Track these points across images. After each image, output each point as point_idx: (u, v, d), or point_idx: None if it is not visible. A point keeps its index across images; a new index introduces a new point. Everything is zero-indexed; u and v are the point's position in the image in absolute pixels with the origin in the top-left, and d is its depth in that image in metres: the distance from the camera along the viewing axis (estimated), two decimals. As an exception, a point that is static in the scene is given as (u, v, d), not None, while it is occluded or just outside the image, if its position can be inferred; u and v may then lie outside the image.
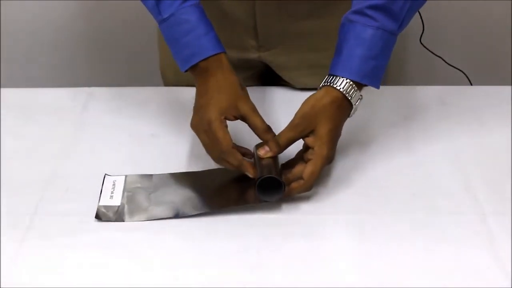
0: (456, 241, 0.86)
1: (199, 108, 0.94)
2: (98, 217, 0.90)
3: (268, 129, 0.92)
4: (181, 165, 0.99)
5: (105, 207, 0.91)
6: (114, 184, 0.95)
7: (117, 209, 0.91)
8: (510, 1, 1.60)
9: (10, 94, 1.17)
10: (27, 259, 0.85)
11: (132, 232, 0.89)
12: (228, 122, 0.92)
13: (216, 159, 0.92)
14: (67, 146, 1.05)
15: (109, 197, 0.93)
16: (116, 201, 0.92)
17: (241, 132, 0.96)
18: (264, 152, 0.91)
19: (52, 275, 0.83)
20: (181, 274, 0.83)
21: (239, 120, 0.93)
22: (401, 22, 0.92)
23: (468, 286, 0.80)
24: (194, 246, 0.87)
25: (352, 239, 0.87)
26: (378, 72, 0.93)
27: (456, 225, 0.88)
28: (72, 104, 1.15)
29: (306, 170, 0.89)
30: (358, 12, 0.92)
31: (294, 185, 0.90)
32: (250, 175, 0.90)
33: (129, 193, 0.94)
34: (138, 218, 0.90)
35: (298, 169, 0.91)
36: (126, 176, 0.96)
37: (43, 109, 1.13)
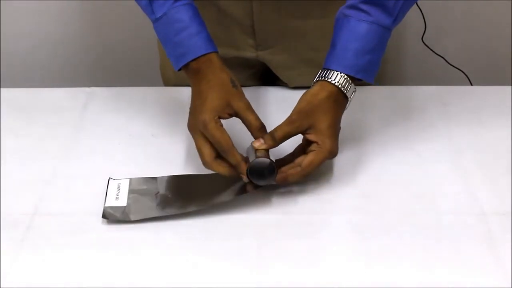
0: (456, 241, 0.86)
1: (193, 110, 0.94)
2: (105, 217, 0.90)
3: (262, 127, 0.92)
4: (181, 165, 0.99)
5: (111, 207, 0.91)
6: (119, 187, 0.95)
7: (124, 209, 0.91)
8: (511, 1, 1.60)
9: (10, 94, 1.17)
10: (27, 259, 0.85)
11: (132, 232, 0.89)
12: (225, 122, 0.92)
13: (209, 162, 0.92)
14: (67, 146, 1.05)
15: (114, 198, 0.93)
16: (122, 202, 0.93)
17: (238, 133, 0.96)
18: (259, 144, 0.91)
19: (52, 275, 0.83)
20: (181, 274, 0.83)
21: (236, 123, 0.93)
22: (396, 16, 0.92)
23: (468, 286, 0.80)
24: (194, 246, 0.87)
25: (351, 239, 0.87)
26: (372, 66, 0.93)
27: (456, 225, 0.88)
28: (72, 104, 1.15)
29: (306, 159, 0.90)
30: (353, 7, 0.92)
31: (290, 171, 0.90)
32: (244, 179, 0.90)
33: (135, 194, 0.94)
34: (144, 216, 0.90)
35: (298, 160, 0.91)
36: (130, 179, 0.96)
37: (43, 109, 1.13)
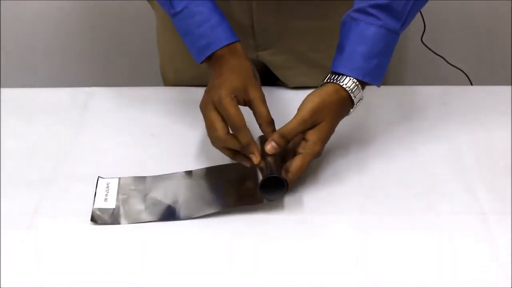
0: (456, 241, 0.86)
1: (210, 88, 0.94)
2: (94, 220, 0.90)
3: (272, 122, 0.92)
4: (181, 165, 0.99)
5: (100, 209, 0.91)
6: (108, 187, 0.95)
7: (113, 212, 0.91)
8: (510, 1, 1.60)
9: (10, 94, 1.17)
10: (27, 259, 0.85)
11: (132, 232, 0.89)
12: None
13: (223, 137, 0.90)
14: (67, 146, 1.05)
15: (103, 199, 0.93)
16: (111, 203, 0.92)
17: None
18: (270, 147, 0.90)
19: (52, 275, 0.83)
20: (181, 274, 0.83)
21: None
22: (404, 21, 0.92)
23: (468, 286, 0.80)
24: (194, 246, 0.87)
25: (351, 239, 0.87)
26: (380, 70, 0.93)
27: (456, 225, 0.88)
28: (72, 104, 1.14)
29: (294, 164, 0.89)
30: (361, 11, 0.92)
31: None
32: (254, 159, 0.89)
33: (124, 195, 0.93)
34: (134, 220, 0.90)
35: (287, 165, 0.91)
36: (119, 178, 0.96)
37: (43, 109, 1.13)
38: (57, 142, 1.05)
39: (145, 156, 1.02)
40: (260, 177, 0.88)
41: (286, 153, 0.93)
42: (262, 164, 0.89)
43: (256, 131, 0.94)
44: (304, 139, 0.90)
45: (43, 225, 0.90)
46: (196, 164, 0.99)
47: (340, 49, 0.93)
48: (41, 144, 1.05)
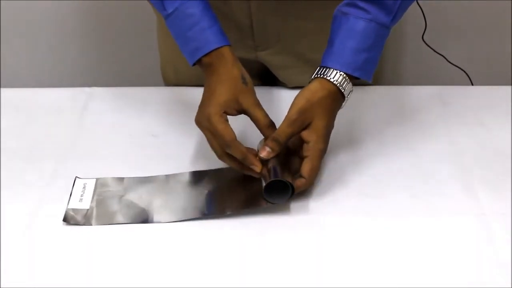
0: (456, 241, 0.86)
1: (201, 104, 0.94)
2: (66, 220, 0.89)
3: (271, 124, 0.92)
4: (181, 165, 0.99)
5: (74, 210, 0.91)
6: (84, 187, 0.94)
7: (86, 213, 0.90)
8: (511, 1, 1.60)
9: (10, 94, 1.17)
10: (27, 259, 0.85)
11: (132, 232, 0.89)
12: (232, 120, 0.92)
13: (220, 155, 0.91)
14: (67, 146, 1.05)
15: (78, 200, 0.92)
16: (85, 204, 0.92)
17: (245, 132, 0.96)
18: (266, 153, 0.90)
19: (52, 275, 0.83)
20: (180, 274, 0.83)
21: (243, 122, 0.93)
22: (394, 15, 0.92)
23: (468, 286, 0.80)
24: (193, 246, 0.87)
25: (351, 240, 0.87)
26: (370, 64, 0.93)
27: (456, 225, 0.88)
28: (72, 104, 1.15)
29: (305, 167, 0.89)
30: (351, 4, 0.92)
31: (297, 183, 0.89)
32: (256, 169, 0.89)
33: (99, 196, 0.93)
34: (106, 222, 0.89)
35: (295, 165, 0.91)
36: (97, 179, 0.96)
37: (43, 109, 1.13)
38: (57, 142, 1.05)
39: (145, 156, 1.02)
40: (263, 182, 0.88)
41: (292, 160, 0.93)
42: (264, 171, 0.89)
43: (258, 135, 0.94)
44: (304, 142, 0.90)
45: (43, 225, 0.90)
46: (195, 164, 0.99)
47: (330, 43, 0.93)
48: (41, 144, 1.05)
